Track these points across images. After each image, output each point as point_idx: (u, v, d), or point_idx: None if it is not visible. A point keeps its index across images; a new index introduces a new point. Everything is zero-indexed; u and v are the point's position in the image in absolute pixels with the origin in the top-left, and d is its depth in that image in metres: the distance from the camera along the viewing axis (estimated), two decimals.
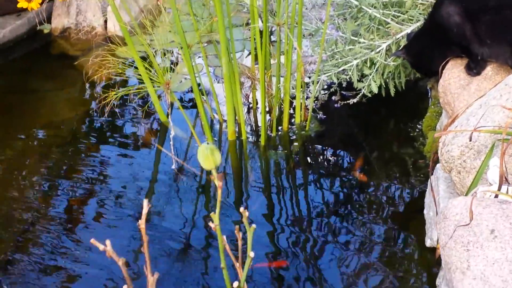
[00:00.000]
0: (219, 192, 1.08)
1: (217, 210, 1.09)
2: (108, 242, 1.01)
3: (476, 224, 1.68)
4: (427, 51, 2.63)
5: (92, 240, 1.03)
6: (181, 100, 3.31)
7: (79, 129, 3.13)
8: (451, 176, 2.16)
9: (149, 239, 2.44)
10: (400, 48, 2.75)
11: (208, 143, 1.10)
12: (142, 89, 2.90)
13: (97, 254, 2.40)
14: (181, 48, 2.79)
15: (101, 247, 0.97)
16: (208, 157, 1.10)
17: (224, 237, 1.14)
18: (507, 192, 1.91)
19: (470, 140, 2.03)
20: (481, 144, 2.04)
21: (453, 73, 2.55)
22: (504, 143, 1.87)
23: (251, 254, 1.15)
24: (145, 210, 1.00)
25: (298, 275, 2.34)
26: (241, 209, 1.12)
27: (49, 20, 3.91)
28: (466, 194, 2.00)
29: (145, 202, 1.01)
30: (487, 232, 1.66)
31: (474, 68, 2.49)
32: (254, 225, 1.11)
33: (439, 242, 1.80)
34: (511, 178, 1.99)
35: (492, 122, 2.02)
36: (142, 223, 1.02)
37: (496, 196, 1.84)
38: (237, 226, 1.14)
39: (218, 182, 1.08)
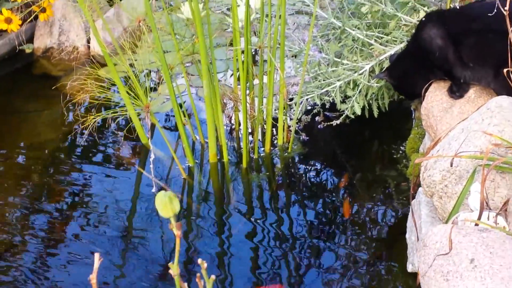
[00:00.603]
0: (177, 241, 1.04)
1: (176, 259, 1.06)
2: None
3: (456, 253, 1.66)
4: (409, 74, 2.62)
5: None
6: (165, 120, 3.29)
7: (60, 151, 3.10)
8: (433, 201, 2.14)
9: (130, 262, 2.44)
10: (383, 70, 2.74)
11: (166, 190, 1.07)
12: (122, 112, 2.88)
13: (76, 276, 2.38)
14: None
15: None
16: (166, 205, 1.07)
17: (186, 284, 1.11)
18: (488, 218, 1.90)
19: (451, 166, 2.01)
20: (463, 169, 2.02)
21: (435, 96, 2.54)
22: (485, 169, 1.85)
23: None
24: (96, 264, 0.97)
25: None
26: (199, 260, 1.08)
27: (31, 40, 3.88)
28: (447, 220, 1.98)
29: (96, 256, 0.98)
30: (467, 262, 1.63)
31: (457, 91, 2.48)
32: (213, 276, 1.08)
33: (419, 270, 1.78)
34: (492, 203, 1.98)
35: (474, 146, 2.00)
36: (93, 277, 0.98)
37: (477, 224, 1.82)
38: (198, 274, 1.11)
39: (176, 231, 1.04)
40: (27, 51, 3.85)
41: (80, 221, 2.66)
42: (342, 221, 2.64)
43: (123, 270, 2.43)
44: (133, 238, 2.58)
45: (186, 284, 1.09)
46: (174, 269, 1.04)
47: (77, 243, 2.55)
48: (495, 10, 2.21)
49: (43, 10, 3.72)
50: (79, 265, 2.45)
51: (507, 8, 1.96)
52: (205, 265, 1.07)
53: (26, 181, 2.89)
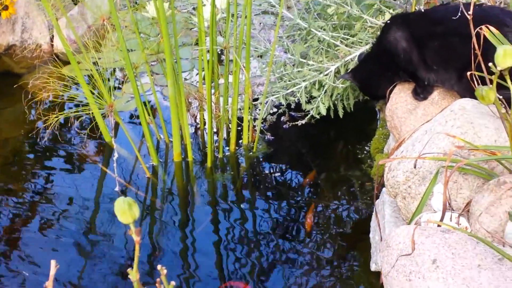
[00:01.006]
0: (136, 247, 1.03)
1: (135, 265, 1.04)
2: None
3: (418, 254, 1.67)
4: (374, 75, 2.63)
5: None
6: (130, 118, 3.27)
7: (22, 149, 3.06)
8: (397, 201, 2.15)
9: (91, 261, 2.42)
10: (348, 72, 2.75)
11: (126, 196, 1.05)
12: (85, 110, 2.85)
13: (36, 276, 2.36)
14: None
15: None
16: (125, 211, 1.05)
17: None
18: (450, 219, 1.91)
19: (415, 167, 2.03)
20: (426, 170, 2.03)
21: (400, 97, 2.55)
22: (448, 170, 1.87)
23: None
24: (52, 271, 0.95)
25: None
26: (159, 266, 1.07)
27: None
28: (410, 221, 1.99)
29: (53, 263, 0.97)
30: (429, 262, 1.64)
31: (421, 93, 2.49)
32: (173, 282, 1.07)
33: (382, 270, 1.79)
34: (455, 204, 1.99)
35: (437, 148, 2.01)
36: (49, 285, 0.97)
37: (439, 224, 1.83)
38: (158, 279, 1.10)
39: (136, 237, 1.03)
40: None
41: (41, 220, 2.63)
42: (306, 220, 2.65)
43: (85, 270, 2.40)
44: (96, 237, 2.56)
45: None
46: (133, 275, 1.03)
47: (38, 241, 2.52)
48: (459, 14, 2.23)
49: (5, 8, 3.67)
50: (39, 264, 2.42)
51: (470, 12, 1.98)
52: (165, 271, 1.05)
53: None
